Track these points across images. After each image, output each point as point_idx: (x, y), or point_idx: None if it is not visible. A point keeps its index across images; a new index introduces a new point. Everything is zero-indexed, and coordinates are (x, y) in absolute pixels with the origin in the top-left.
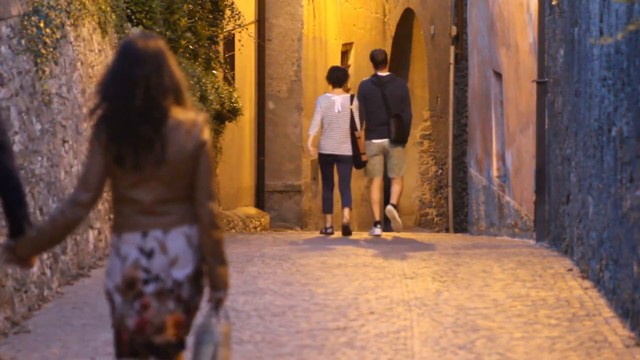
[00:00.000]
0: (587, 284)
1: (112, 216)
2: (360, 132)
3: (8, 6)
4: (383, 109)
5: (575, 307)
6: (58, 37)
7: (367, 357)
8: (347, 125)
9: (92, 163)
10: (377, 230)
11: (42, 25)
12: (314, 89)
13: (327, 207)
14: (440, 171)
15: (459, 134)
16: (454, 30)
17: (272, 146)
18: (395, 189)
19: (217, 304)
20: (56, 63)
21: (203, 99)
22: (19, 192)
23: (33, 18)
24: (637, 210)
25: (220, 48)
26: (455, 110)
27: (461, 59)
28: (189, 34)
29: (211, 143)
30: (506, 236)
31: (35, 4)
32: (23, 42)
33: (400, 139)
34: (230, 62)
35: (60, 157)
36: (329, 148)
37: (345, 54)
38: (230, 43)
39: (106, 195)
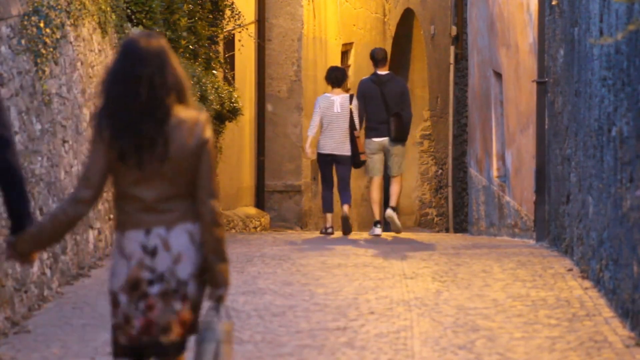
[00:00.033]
0: (587, 284)
1: (114, 214)
2: (360, 132)
3: (8, 6)
4: (382, 108)
5: (575, 307)
6: (58, 37)
7: (367, 357)
8: (346, 125)
9: (93, 160)
10: (377, 230)
11: (42, 25)
12: (314, 89)
13: (327, 207)
14: (440, 171)
15: (459, 134)
16: (454, 30)
17: (272, 146)
18: (394, 190)
19: (217, 301)
20: (56, 63)
21: (203, 99)
22: (21, 188)
23: (33, 18)
24: (637, 210)
25: (220, 48)
26: (455, 110)
27: (461, 59)
28: (187, 34)
29: (213, 141)
30: (506, 236)
31: (35, 4)
32: (23, 42)
33: (400, 138)
34: (230, 62)
35: (60, 157)
36: (328, 148)
37: (345, 54)
38: (230, 43)
39: (106, 195)
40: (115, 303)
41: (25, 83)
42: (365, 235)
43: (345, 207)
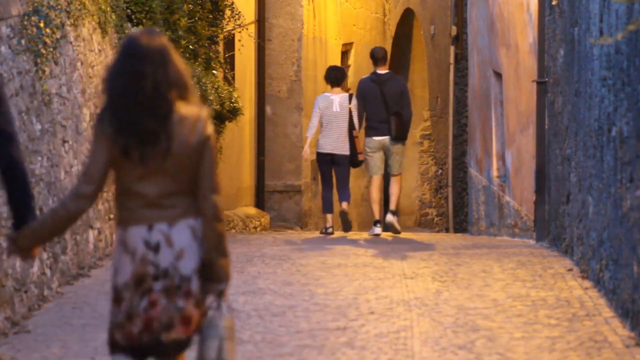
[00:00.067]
0: (587, 284)
1: (116, 211)
2: (358, 132)
3: (8, 6)
4: (382, 107)
5: (575, 307)
6: (58, 37)
7: (367, 357)
8: (345, 124)
9: (95, 156)
10: (377, 230)
11: (42, 25)
12: (314, 89)
13: (327, 208)
14: (440, 171)
15: (459, 134)
16: (454, 30)
17: (272, 146)
18: (394, 191)
19: (219, 295)
20: (56, 63)
21: (203, 99)
22: (24, 183)
23: (33, 18)
24: (637, 210)
25: (220, 48)
26: (455, 110)
27: (461, 59)
28: (187, 34)
29: (214, 138)
30: (506, 236)
31: (35, 4)
32: (23, 42)
33: (400, 136)
34: (230, 62)
35: (60, 157)
36: (328, 147)
37: (345, 54)
38: (230, 43)
39: (106, 195)
40: (118, 299)
41: (25, 83)
42: (365, 235)
43: (344, 204)
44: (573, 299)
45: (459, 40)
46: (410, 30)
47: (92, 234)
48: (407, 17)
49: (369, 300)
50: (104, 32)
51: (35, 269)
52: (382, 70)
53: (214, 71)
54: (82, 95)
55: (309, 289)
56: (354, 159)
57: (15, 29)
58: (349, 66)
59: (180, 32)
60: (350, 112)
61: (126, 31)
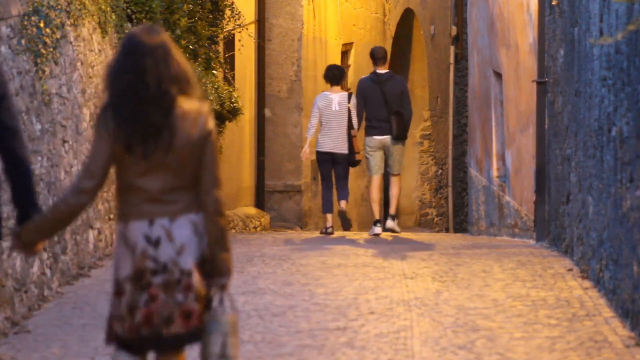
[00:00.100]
0: (587, 284)
1: (117, 206)
2: (357, 131)
3: (8, 6)
4: (383, 106)
5: (575, 307)
6: (58, 37)
7: (367, 357)
8: (345, 123)
9: (97, 152)
10: (377, 229)
11: (42, 25)
12: (314, 89)
13: (327, 207)
14: (440, 171)
15: (459, 134)
16: (454, 30)
17: (272, 146)
18: (394, 192)
19: (221, 289)
20: (56, 63)
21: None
22: (27, 179)
23: (33, 18)
24: (637, 210)
25: (220, 48)
26: (455, 110)
27: (461, 59)
28: (186, 34)
29: (216, 133)
30: (506, 236)
31: (35, 4)
32: (23, 42)
33: (401, 136)
34: (230, 62)
35: (60, 157)
36: (327, 146)
37: (345, 54)
38: (230, 43)
39: (106, 195)
40: (120, 291)
41: (25, 83)
42: (365, 235)
43: (342, 203)
44: (573, 299)
45: (459, 40)
46: (410, 30)
47: (92, 234)
48: (407, 17)
49: (369, 300)
50: (104, 32)
51: (35, 269)
52: (382, 70)
53: (214, 71)
54: (82, 95)
55: (309, 289)
56: (351, 159)
57: (15, 29)
58: (349, 66)
59: (180, 32)
60: (349, 111)
61: (126, 31)
